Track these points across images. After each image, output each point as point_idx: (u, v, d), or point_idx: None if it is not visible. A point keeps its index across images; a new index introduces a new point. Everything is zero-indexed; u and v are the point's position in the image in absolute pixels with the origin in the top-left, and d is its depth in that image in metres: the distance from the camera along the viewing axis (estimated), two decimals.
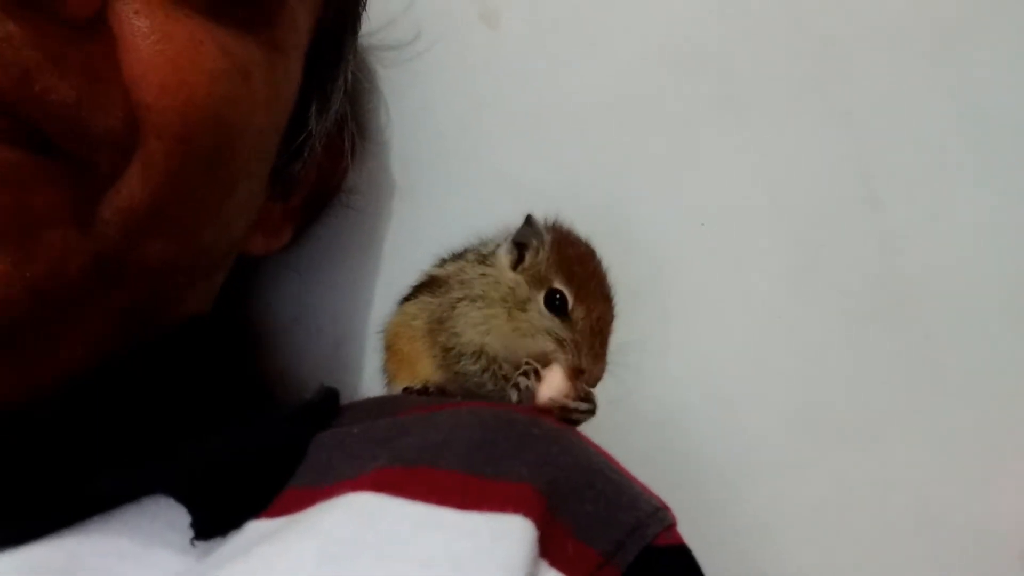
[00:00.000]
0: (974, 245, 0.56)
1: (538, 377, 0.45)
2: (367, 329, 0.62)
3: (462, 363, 0.46)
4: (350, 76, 0.56)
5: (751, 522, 0.57)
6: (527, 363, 0.45)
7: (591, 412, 0.45)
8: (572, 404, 0.44)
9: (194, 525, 0.37)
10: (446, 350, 0.47)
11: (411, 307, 0.52)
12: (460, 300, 0.48)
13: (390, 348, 0.52)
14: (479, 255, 0.50)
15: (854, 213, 0.57)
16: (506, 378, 0.45)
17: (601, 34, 0.61)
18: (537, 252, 0.47)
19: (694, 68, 0.60)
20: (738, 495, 0.58)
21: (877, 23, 0.57)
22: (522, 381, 0.45)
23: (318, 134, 0.53)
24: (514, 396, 0.45)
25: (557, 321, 0.45)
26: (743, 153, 0.59)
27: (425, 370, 0.49)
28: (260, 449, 0.42)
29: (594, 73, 0.61)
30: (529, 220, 0.49)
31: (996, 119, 0.56)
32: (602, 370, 0.46)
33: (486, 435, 0.39)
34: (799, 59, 0.58)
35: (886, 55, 0.57)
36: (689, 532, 0.41)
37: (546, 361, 0.46)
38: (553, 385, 0.44)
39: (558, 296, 0.45)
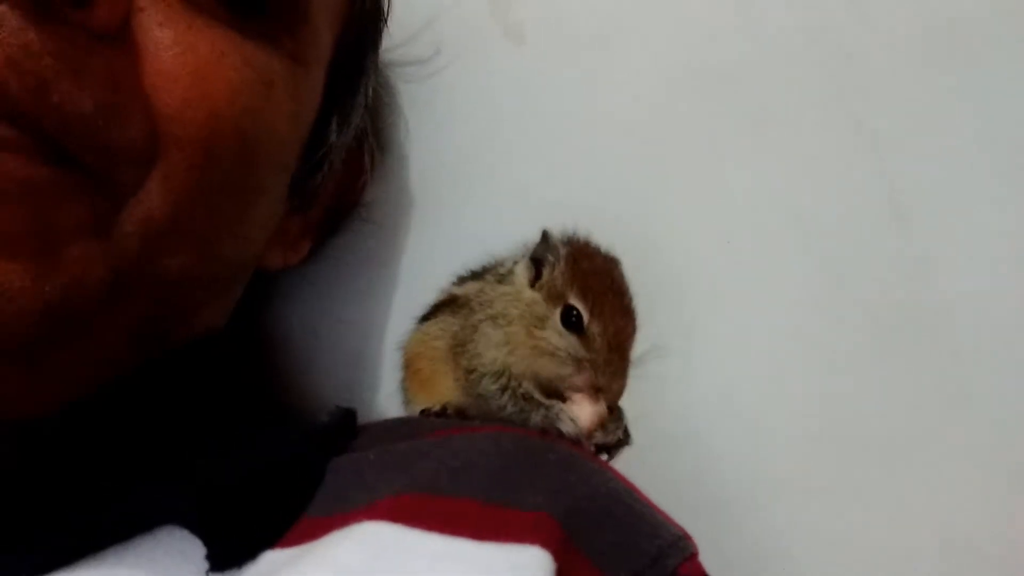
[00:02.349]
0: (1002, 263, 0.55)
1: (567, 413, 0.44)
2: (384, 345, 0.62)
3: (483, 384, 0.46)
4: (371, 91, 0.56)
5: (773, 546, 0.56)
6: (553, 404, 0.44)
7: (625, 443, 0.45)
8: (601, 438, 0.44)
9: (209, 558, 0.37)
10: (468, 372, 0.47)
11: (432, 327, 0.51)
12: (482, 321, 0.47)
13: (409, 367, 0.52)
14: (498, 275, 0.50)
15: (880, 230, 0.57)
16: (526, 398, 0.45)
17: (626, 51, 0.61)
18: (553, 268, 0.47)
19: (718, 85, 0.59)
20: (760, 518, 0.57)
21: (904, 38, 0.57)
22: (559, 417, 0.44)
23: (338, 148, 0.53)
24: (536, 418, 0.44)
25: (574, 338, 0.44)
26: (768, 169, 0.58)
27: (445, 391, 0.49)
28: (276, 477, 0.41)
29: (618, 90, 0.61)
30: (545, 236, 0.48)
31: (1021, 132, 0.55)
32: (622, 387, 0.45)
33: (504, 462, 0.39)
34: (825, 75, 0.58)
35: (913, 71, 0.57)
36: (710, 556, 0.40)
37: (569, 386, 0.45)
38: (583, 417, 0.44)
39: (574, 313, 0.45)
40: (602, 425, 0.44)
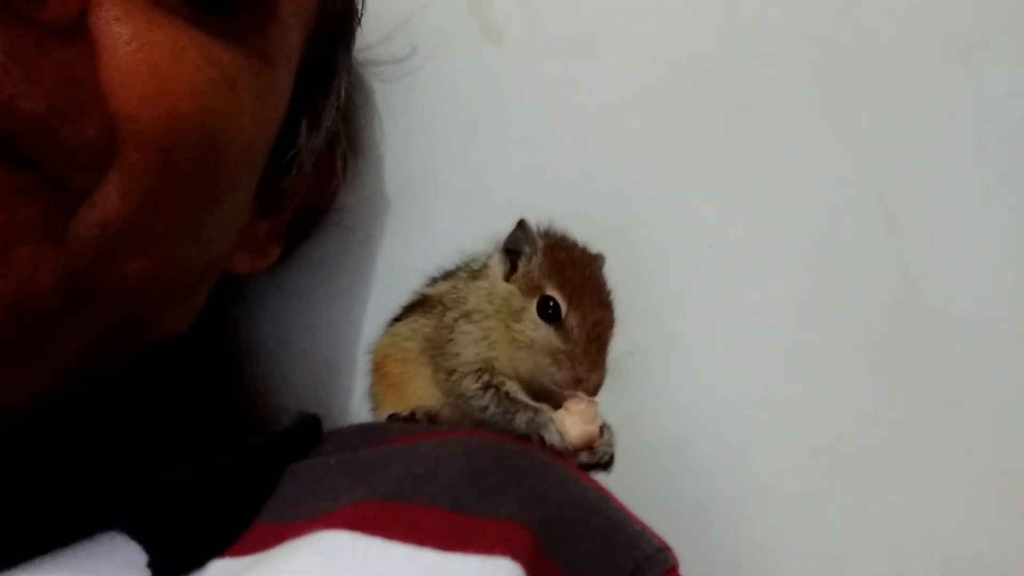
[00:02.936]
0: (992, 267, 0.54)
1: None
2: (356, 352, 0.61)
3: (464, 384, 0.44)
4: (343, 92, 0.55)
5: (758, 559, 0.55)
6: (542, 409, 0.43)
7: (607, 467, 0.44)
8: (587, 458, 0.43)
9: (151, 565, 0.35)
10: (448, 373, 0.45)
11: (402, 328, 0.50)
12: (457, 320, 0.46)
13: (378, 371, 0.51)
14: (471, 271, 0.49)
15: (869, 234, 0.56)
16: (510, 398, 0.43)
17: (607, 49, 0.60)
18: (530, 259, 0.46)
19: (702, 85, 0.59)
20: (744, 530, 0.56)
21: (892, 40, 0.56)
22: (545, 425, 0.42)
23: (308, 150, 0.52)
24: (520, 421, 0.42)
25: (551, 330, 0.43)
26: (754, 172, 0.58)
27: (416, 394, 0.48)
28: (225, 481, 0.40)
29: (599, 89, 0.60)
30: (522, 224, 0.47)
31: (1015, 138, 0.55)
32: (601, 377, 0.44)
33: (473, 468, 0.37)
34: (812, 76, 0.57)
35: (902, 72, 0.56)
36: (692, 570, 0.39)
37: (550, 382, 0.44)
38: (572, 433, 0.42)
39: (551, 303, 0.44)
40: (590, 445, 0.43)
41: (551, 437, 0.42)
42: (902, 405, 0.55)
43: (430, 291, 0.50)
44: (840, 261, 0.56)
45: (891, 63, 0.56)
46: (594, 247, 0.49)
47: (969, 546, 0.53)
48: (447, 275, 0.51)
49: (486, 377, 0.44)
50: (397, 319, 0.52)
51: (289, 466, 0.41)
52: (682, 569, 0.38)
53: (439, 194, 0.61)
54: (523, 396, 0.43)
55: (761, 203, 0.57)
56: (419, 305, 0.50)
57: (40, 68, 0.34)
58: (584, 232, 0.49)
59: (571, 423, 0.42)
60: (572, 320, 0.43)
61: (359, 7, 0.55)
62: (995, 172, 0.55)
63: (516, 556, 0.33)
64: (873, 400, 0.55)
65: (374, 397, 0.51)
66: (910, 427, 0.55)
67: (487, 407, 0.43)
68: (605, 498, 0.40)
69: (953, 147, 0.55)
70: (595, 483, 0.41)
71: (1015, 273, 0.54)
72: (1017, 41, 0.55)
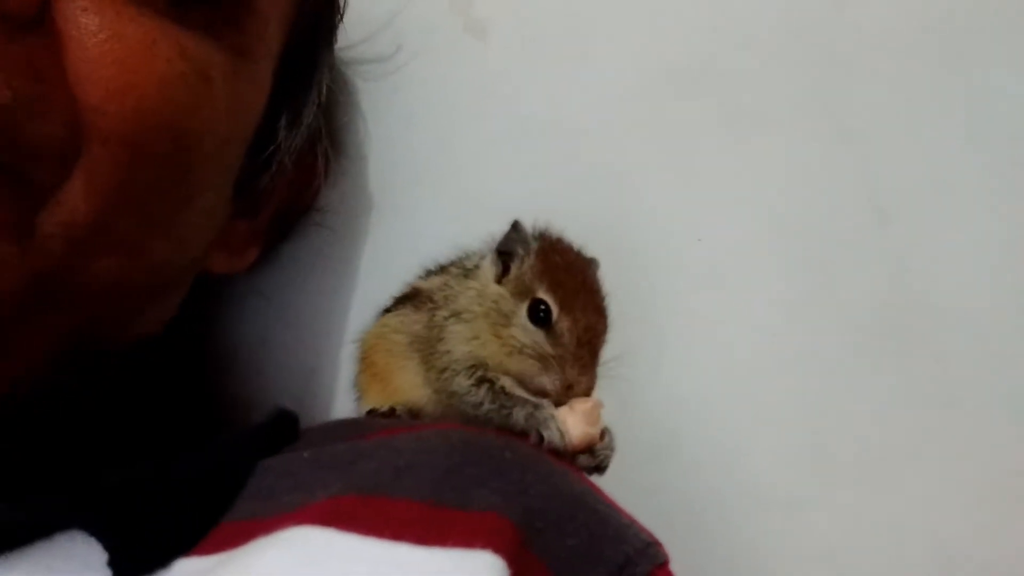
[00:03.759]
0: (987, 264, 0.54)
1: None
2: (338, 353, 0.60)
3: (457, 381, 0.44)
4: (324, 89, 0.54)
5: (750, 561, 0.55)
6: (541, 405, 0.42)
7: (600, 470, 0.43)
8: (585, 461, 0.42)
9: (112, 564, 0.34)
10: (440, 371, 0.45)
11: (392, 319, 0.49)
12: (448, 318, 0.45)
13: (365, 360, 0.50)
14: (463, 269, 0.48)
15: (860, 229, 0.56)
16: (506, 393, 0.42)
17: (593, 47, 0.59)
18: (523, 261, 0.45)
19: (690, 83, 0.58)
20: (737, 533, 0.55)
21: (881, 36, 0.56)
22: (545, 421, 0.41)
23: (288, 148, 0.51)
24: (519, 416, 0.41)
25: (541, 334, 0.43)
26: (745, 171, 0.57)
27: (400, 387, 0.47)
28: (190, 477, 0.38)
29: (586, 88, 0.59)
30: (516, 226, 0.47)
31: (1004, 132, 0.54)
32: (591, 381, 0.43)
33: (453, 460, 0.36)
34: (803, 74, 0.57)
35: (891, 68, 0.56)
36: (683, 572, 0.38)
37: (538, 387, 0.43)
38: (574, 434, 0.41)
39: (542, 307, 0.43)
40: (591, 447, 0.42)
41: (551, 435, 0.41)
42: (896, 404, 0.54)
43: (423, 284, 0.50)
44: (832, 260, 0.56)
45: (882, 61, 0.56)
46: (581, 247, 0.48)
47: (965, 546, 0.53)
48: (441, 269, 0.50)
49: (479, 373, 0.43)
50: (388, 310, 0.51)
51: (261, 462, 0.40)
52: (674, 571, 0.37)
53: (422, 194, 0.60)
54: (520, 391, 0.43)
55: (752, 202, 0.57)
56: (411, 298, 0.49)
57: (4, 60, 0.33)
58: (570, 231, 0.48)
59: (574, 423, 0.41)
60: (563, 324, 0.43)
61: (341, 2, 0.54)
62: (987, 169, 0.54)
63: (498, 549, 0.32)
64: (866, 399, 0.55)
65: (359, 386, 0.50)
66: (904, 426, 0.54)
67: (481, 403, 0.43)
68: (591, 491, 0.39)
69: (945, 144, 0.55)
70: (582, 476, 0.40)
71: (1009, 270, 0.54)
72: (1008, 39, 0.55)
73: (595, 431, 0.42)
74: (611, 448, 0.44)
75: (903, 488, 0.54)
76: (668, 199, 0.58)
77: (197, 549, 0.35)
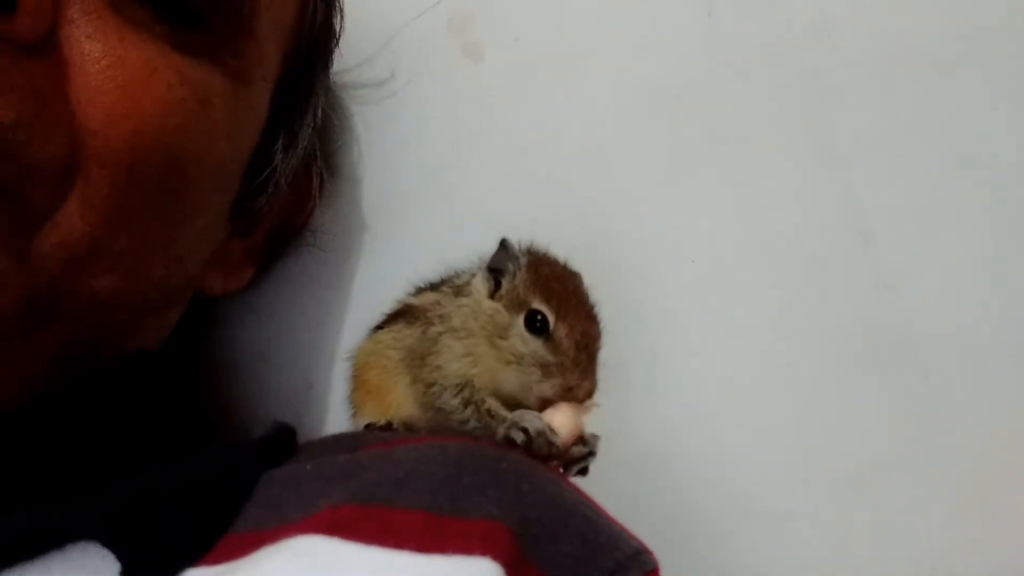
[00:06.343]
0: (971, 281, 0.55)
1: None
2: (332, 371, 0.60)
3: (444, 397, 0.44)
4: (320, 112, 0.54)
5: (739, 573, 0.55)
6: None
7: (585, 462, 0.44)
8: (578, 451, 0.43)
9: (124, 574, 0.34)
10: (428, 385, 0.45)
11: (385, 336, 0.50)
12: (442, 334, 0.46)
13: (358, 378, 0.50)
14: (455, 287, 0.48)
15: (845, 250, 0.56)
16: (491, 414, 0.43)
17: (587, 70, 0.60)
18: (514, 276, 0.46)
19: (681, 104, 0.59)
20: (726, 544, 0.56)
21: (865, 58, 0.57)
22: (529, 421, 0.42)
23: (284, 170, 0.51)
24: (501, 431, 0.42)
25: (540, 343, 0.43)
26: (732, 190, 0.58)
27: (394, 403, 0.47)
28: (199, 488, 0.39)
29: (580, 109, 0.60)
30: (504, 244, 0.47)
31: (988, 154, 0.55)
32: (592, 385, 0.44)
33: (450, 470, 0.37)
34: (789, 95, 0.58)
35: (875, 90, 0.57)
36: None
37: (538, 396, 0.44)
38: (563, 429, 0.42)
39: (539, 317, 0.44)
40: (582, 438, 0.43)
41: (534, 423, 0.41)
42: (880, 419, 0.55)
43: (414, 301, 0.50)
44: (819, 277, 0.57)
45: (867, 85, 0.57)
46: (575, 264, 0.49)
47: (950, 558, 0.53)
48: (432, 286, 0.50)
49: (466, 393, 0.44)
50: (379, 327, 0.51)
51: (265, 473, 0.40)
52: None
53: (416, 214, 0.61)
54: (504, 412, 0.43)
55: (741, 220, 0.58)
56: (403, 315, 0.50)
57: (7, 82, 0.34)
58: (565, 250, 0.49)
59: (560, 419, 0.42)
60: (560, 331, 0.43)
61: (337, 26, 0.55)
62: (971, 189, 0.55)
63: (496, 556, 0.33)
64: (853, 414, 0.55)
65: (353, 403, 0.50)
66: (890, 440, 0.55)
67: (467, 420, 0.43)
68: (584, 500, 0.40)
69: (929, 164, 0.56)
70: (575, 487, 0.41)
71: (992, 288, 0.54)
72: (991, 59, 0.55)
73: (581, 421, 0.43)
74: (596, 441, 0.44)
75: (888, 501, 0.54)
76: (659, 220, 0.58)
77: (205, 559, 0.36)
